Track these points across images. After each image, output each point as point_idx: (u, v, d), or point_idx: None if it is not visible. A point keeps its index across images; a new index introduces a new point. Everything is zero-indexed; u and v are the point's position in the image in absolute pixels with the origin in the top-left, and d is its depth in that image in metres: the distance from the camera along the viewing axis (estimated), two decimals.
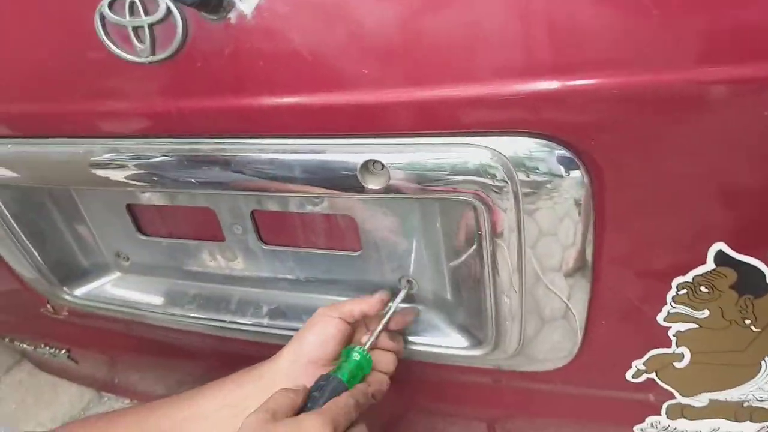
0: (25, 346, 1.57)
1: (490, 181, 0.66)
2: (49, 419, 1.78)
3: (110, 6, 0.68)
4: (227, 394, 0.79)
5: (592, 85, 0.57)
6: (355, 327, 0.84)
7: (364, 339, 0.81)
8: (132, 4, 0.67)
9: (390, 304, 0.85)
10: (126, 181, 0.82)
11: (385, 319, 0.83)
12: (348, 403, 0.69)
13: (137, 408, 0.83)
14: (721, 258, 0.67)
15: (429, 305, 0.92)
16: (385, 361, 0.82)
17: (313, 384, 0.74)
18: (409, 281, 0.90)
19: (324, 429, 0.63)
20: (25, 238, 1.02)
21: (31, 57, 0.76)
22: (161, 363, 1.42)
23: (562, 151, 0.63)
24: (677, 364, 0.79)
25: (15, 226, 1.00)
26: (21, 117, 0.83)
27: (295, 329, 0.93)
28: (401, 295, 0.86)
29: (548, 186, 0.65)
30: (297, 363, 0.78)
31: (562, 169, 0.64)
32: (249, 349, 1.09)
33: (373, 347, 0.81)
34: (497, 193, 0.67)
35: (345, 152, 0.70)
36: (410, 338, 0.90)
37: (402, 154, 0.67)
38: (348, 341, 0.82)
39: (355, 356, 0.78)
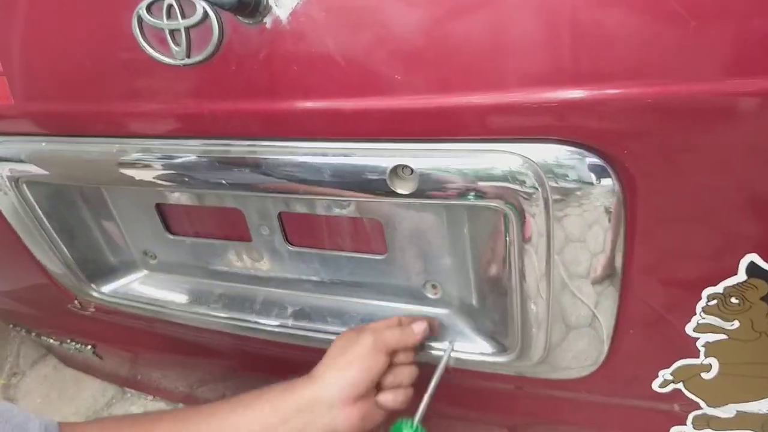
0: (51, 341, 1.60)
1: (519, 188, 0.66)
2: (72, 413, 1.80)
3: (148, 9, 0.69)
4: (264, 416, 0.77)
5: (625, 94, 0.57)
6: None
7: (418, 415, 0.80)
8: (170, 7, 0.68)
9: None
10: (156, 181, 0.83)
11: (432, 386, 0.83)
12: None
13: (170, 415, 0.81)
14: (752, 269, 0.66)
15: (454, 310, 0.92)
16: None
17: None
18: (450, 344, 0.89)
19: None
20: (55, 235, 1.04)
21: (68, 57, 0.78)
22: (184, 361, 1.43)
23: (593, 159, 0.63)
24: (705, 375, 0.78)
25: (46, 222, 1.02)
26: (57, 116, 0.85)
27: (319, 330, 0.95)
28: (447, 355, 0.86)
29: (578, 193, 0.65)
30: (341, 396, 0.77)
31: (593, 177, 0.64)
32: (272, 350, 1.10)
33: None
34: (527, 199, 0.67)
35: (375, 156, 0.70)
36: (435, 344, 0.90)
37: (431, 159, 0.68)
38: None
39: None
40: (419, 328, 0.84)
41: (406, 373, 0.83)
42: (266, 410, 0.77)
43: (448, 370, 0.86)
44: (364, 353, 0.79)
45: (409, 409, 0.82)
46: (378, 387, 0.81)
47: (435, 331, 0.89)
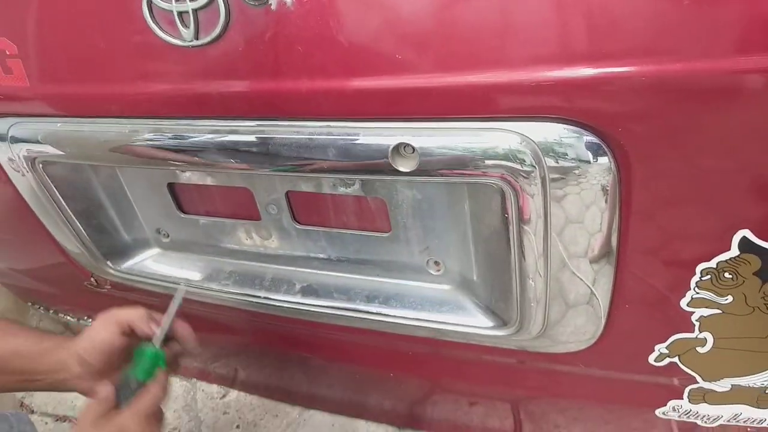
0: (68, 318, 1.63)
1: (518, 166, 0.68)
2: None
3: None
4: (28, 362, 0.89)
5: (622, 73, 0.58)
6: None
7: (156, 333, 0.91)
8: None
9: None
10: (167, 160, 0.86)
11: (169, 317, 0.93)
12: (155, 395, 0.84)
13: None
14: (745, 245, 0.67)
15: (456, 286, 0.94)
16: (185, 331, 0.96)
17: (117, 385, 0.85)
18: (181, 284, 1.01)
19: (141, 424, 0.80)
20: (71, 214, 1.07)
21: (80, 39, 0.80)
22: (197, 337, 1.46)
23: (590, 138, 0.65)
24: (700, 349, 0.80)
25: (62, 201, 1.05)
26: (70, 97, 0.87)
27: (326, 306, 0.98)
28: (180, 295, 0.97)
29: (576, 172, 0.67)
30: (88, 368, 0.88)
31: (590, 155, 0.65)
32: (282, 325, 1.12)
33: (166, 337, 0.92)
34: (525, 177, 0.68)
35: (377, 135, 0.72)
36: (437, 317, 0.93)
37: (432, 138, 0.69)
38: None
39: (148, 354, 0.88)
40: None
41: (185, 330, 0.96)
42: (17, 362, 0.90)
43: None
44: (102, 326, 0.91)
45: None
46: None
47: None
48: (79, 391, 0.90)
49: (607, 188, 0.67)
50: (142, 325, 0.90)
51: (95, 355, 0.88)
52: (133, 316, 0.91)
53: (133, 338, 0.91)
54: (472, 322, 0.91)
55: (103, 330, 0.89)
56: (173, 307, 0.94)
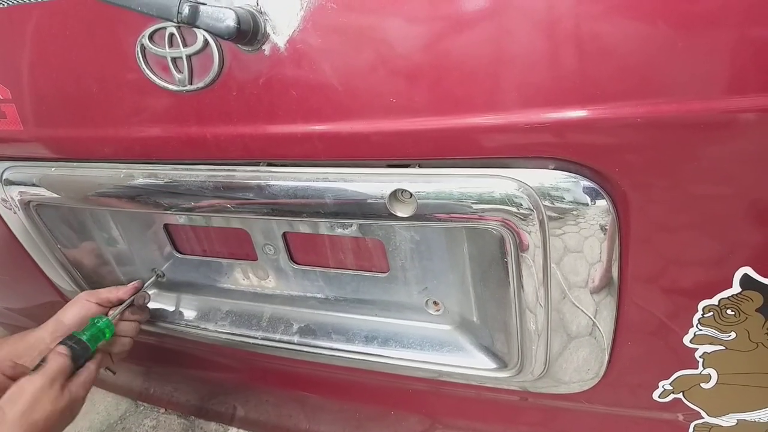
0: None
1: (515, 210, 0.67)
2: (87, 428, 1.82)
3: (150, 37, 0.71)
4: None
5: (616, 114, 0.58)
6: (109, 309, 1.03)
7: (111, 313, 1.00)
8: (171, 36, 0.70)
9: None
10: (162, 205, 0.86)
11: (129, 298, 1.03)
12: (63, 362, 0.87)
13: None
14: (747, 282, 0.67)
15: (456, 326, 0.94)
16: (129, 329, 1.03)
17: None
18: (155, 272, 1.12)
19: (43, 386, 0.83)
20: (65, 255, 1.07)
21: (75, 84, 0.80)
22: (195, 375, 1.45)
23: (587, 182, 0.65)
24: (704, 385, 0.79)
25: (55, 243, 1.05)
26: (65, 141, 0.87)
27: (323, 347, 0.96)
28: (151, 280, 1.10)
29: (574, 214, 0.67)
30: (56, 335, 0.95)
31: (587, 199, 0.65)
32: (280, 364, 1.11)
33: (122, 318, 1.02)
34: (523, 222, 0.68)
35: (374, 181, 0.72)
36: (437, 358, 0.92)
37: (430, 184, 0.69)
38: None
39: (98, 323, 0.95)
40: (134, 283, 1.05)
41: (131, 327, 1.03)
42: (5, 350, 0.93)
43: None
44: (78, 302, 1.00)
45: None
46: None
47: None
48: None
49: (606, 229, 0.67)
50: (110, 294, 1.02)
51: (73, 319, 0.98)
52: (112, 289, 1.04)
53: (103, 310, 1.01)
54: (472, 363, 0.90)
55: (82, 302, 1.00)
56: (134, 289, 1.05)
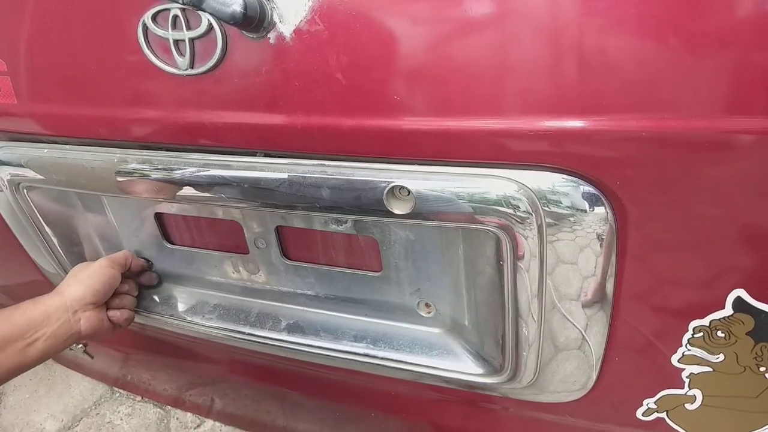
0: None
1: (513, 212, 0.67)
2: (60, 411, 1.80)
3: (154, 18, 0.70)
4: (15, 323, 0.90)
5: (622, 127, 0.58)
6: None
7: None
8: (175, 18, 0.69)
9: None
10: (155, 192, 0.84)
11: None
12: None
13: None
14: (739, 304, 0.67)
15: (447, 330, 0.93)
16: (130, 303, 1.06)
17: None
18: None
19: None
20: (53, 238, 1.05)
21: (72, 60, 0.79)
22: (174, 364, 1.43)
23: (587, 188, 0.64)
24: (689, 406, 0.79)
25: (44, 225, 1.03)
26: (59, 118, 0.85)
27: (311, 345, 0.96)
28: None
29: (571, 219, 0.66)
30: (82, 303, 0.96)
31: (586, 205, 0.65)
32: (263, 359, 1.10)
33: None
34: (520, 224, 0.68)
35: (372, 177, 0.71)
36: (426, 361, 0.91)
37: (428, 182, 0.69)
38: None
39: None
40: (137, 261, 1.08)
41: (129, 300, 1.06)
42: (16, 317, 0.90)
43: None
44: (100, 268, 0.99)
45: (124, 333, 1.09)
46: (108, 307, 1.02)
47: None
48: (81, 329, 0.96)
49: (603, 237, 0.67)
50: (126, 259, 1.04)
51: (102, 288, 0.97)
52: (128, 254, 1.06)
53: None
54: (461, 368, 0.89)
55: (108, 268, 0.99)
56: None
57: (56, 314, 0.92)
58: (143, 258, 1.10)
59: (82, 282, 0.96)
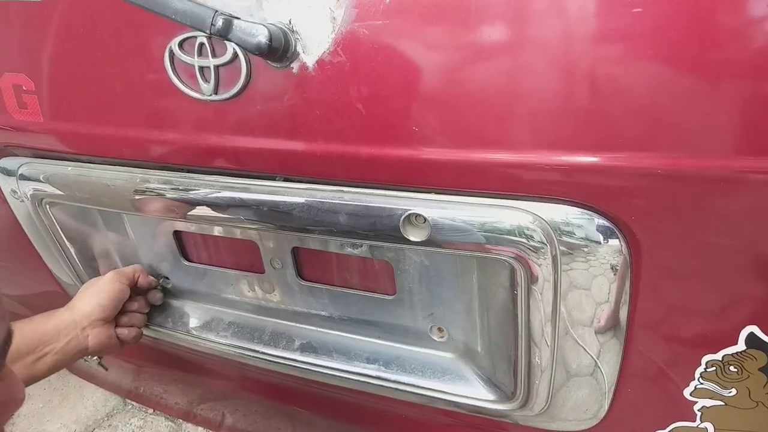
0: None
1: (527, 242, 0.68)
2: (73, 421, 1.81)
3: (180, 44, 0.72)
4: (27, 336, 0.92)
5: (637, 164, 0.59)
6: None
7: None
8: (201, 45, 0.71)
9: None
10: (176, 212, 0.86)
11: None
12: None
13: None
14: (752, 340, 0.67)
15: (459, 355, 0.93)
16: (138, 320, 1.06)
17: None
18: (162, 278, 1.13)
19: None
20: (71, 250, 1.07)
21: (99, 81, 0.81)
22: (187, 379, 1.44)
23: (601, 221, 0.65)
24: None
25: (64, 238, 1.05)
26: (83, 137, 0.87)
27: (326, 366, 0.96)
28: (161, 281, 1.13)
29: (586, 250, 0.67)
30: (91, 319, 0.97)
31: (600, 237, 0.66)
32: (275, 377, 1.11)
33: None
34: (535, 255, 0.68)
35: (390, 204, 0.72)
36: (438, 386, 0.91)
37: (445, 211, 0.70)
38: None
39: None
40: (147, 278, 1.08)
41: (138, 318, 1.06)
42: (28, 332, 0.92)
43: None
44: (108, 283, 1.00)
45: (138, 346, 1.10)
46: (117, 324, 1.03)
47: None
48: (89, 345, 0.97)
49: (617, 268, 0.67)
50: (134, 273, 1.05)
51: (110, 303, 0.98)
52: (138, 268, 1.06)
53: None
54: (473, 393, 0.89)
55: (116, 282, 1.00)
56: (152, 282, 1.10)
57: (66, 330, 0.94)
58: (154, 275, 1.11)
59: (92, 297, 0.98)
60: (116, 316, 1.02)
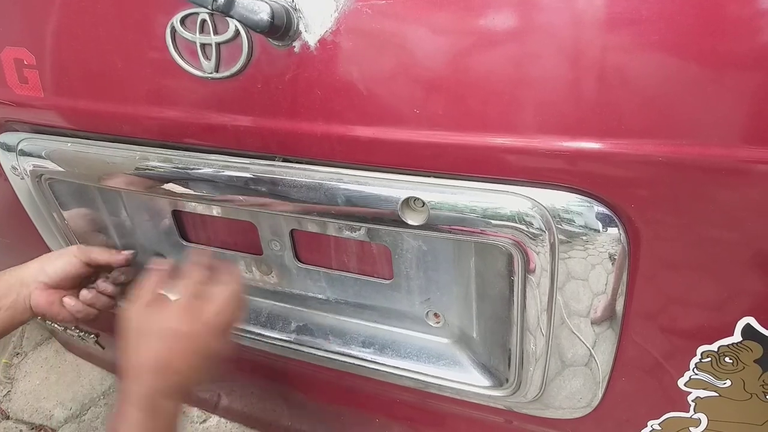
0: (55, 326, 1.61)
1: (526, 229, 0.67)
2: (69, 399, 1.82)
3: (182, 21, 0.71)
4: None
5: (638, 151, 0.59)
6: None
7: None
8: (203, 22, 0.70)
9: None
10: (173, 191, 0.85)
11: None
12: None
13: None
14: (748, 332, 0.67)
15: (454, 340, 0.93)
16: (97, 300, 1.00)
17: None
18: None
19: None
20: (70, 229, 1.07)
21: (100, 56, 0.80)
22: None
23: (601, 208, 0.65)
24: (693, 430, 0.79)
25: (63, 216, 1.05)
26: (83, 113, 0.87)
27: (319, 348, 0.96)
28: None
29: (584, 238, 0.67)
30: (37, 280, 0.95)
31: (599, 225, 0.66)
32: (271, 359, 1.11)
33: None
34: (534, 241, 0.68)
35: (388, 187, 0.72)
36: (433, 371, 0.92)
37: (443, 195, 0.69)
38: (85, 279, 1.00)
39: None
40: (127, 254, 1.01)
41: (102, 300, 1.01)
42: None
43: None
44: (62, 254, 0.98)
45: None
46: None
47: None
48: (31, 305, 0.95)
49: (615, 257, 0.67)
50: (100, 256, 0.99)
51: (54, 272, 0.96)
52: (96, 249, 1.00)
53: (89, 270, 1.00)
54: (467, 379, 0.89)
55: (70, 256, 0.97)
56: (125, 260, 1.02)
57: (15, 287, 0.95)
58: (152, 254, 1.09)
59: (42, 262, 0.98)
60: (82, 290, 1.00)
